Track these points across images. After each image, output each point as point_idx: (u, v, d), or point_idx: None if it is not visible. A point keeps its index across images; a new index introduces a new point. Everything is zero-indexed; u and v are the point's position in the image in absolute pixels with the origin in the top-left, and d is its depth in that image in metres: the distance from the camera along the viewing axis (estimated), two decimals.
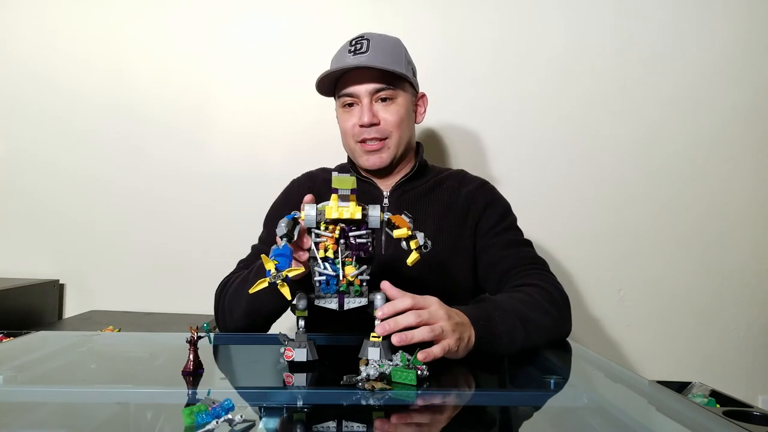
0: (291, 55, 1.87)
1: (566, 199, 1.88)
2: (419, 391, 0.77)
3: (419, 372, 0.79)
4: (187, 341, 0.83)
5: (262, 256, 0.79)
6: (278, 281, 0.77)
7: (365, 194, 1.28)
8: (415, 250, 0.88)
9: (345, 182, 0.82)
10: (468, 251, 1.28)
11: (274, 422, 0.65)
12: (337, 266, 0.83)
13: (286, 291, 0.78)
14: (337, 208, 0.83)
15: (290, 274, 0.78)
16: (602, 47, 1.87)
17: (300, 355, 0.83)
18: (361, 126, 1.23)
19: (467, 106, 1.87)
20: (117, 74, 1.88)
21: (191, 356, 0.83)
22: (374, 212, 0.86)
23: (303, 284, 0.89)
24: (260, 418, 0.66)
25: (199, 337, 0.83)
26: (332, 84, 1.28)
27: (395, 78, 1.23)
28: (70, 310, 1.89)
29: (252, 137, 1.87)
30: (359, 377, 0.78)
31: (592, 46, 1.87)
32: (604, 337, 1.89)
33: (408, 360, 0.83)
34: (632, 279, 1.90)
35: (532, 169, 1.88)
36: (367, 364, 0.83)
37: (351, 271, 0.84)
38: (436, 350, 0.82)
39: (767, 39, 1.88)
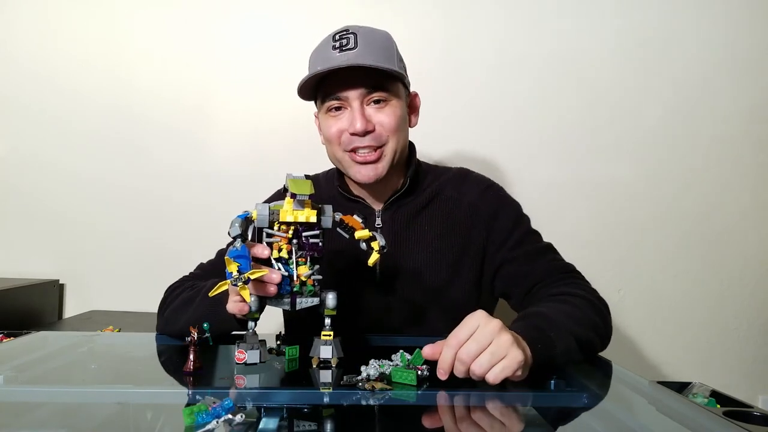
0: (291, 55, 1.86)
1: (566, 198, 1.88)
2: (419, 391, 0.77)
3: (419, 372, 0.79)
4: (187, 341, 0.83)
5: (225, 258, 0.77)
6: (239, 283, 0.77)
7: (354, 213, 1.18)
8: (377, 251, 0.88)
9: (303, 187, 0.81)
10: (473, 270, 1.16)
11: (274, 422, 0.65)
12: (291, 266, 0.83)
13: (246, 293, 0.78)
14: (292, 212, 0.83)
15: (253, 276, 0.77)
16: (602, 47, 1.87)
17: (253, 357, 0.82)
18: (353, 134, 1.07)
19: (466, 106, 1.87)
20: (117, 74, 1.88)
21: (191, 356, 0.83)
22: (327, 212, 0.86)
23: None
24: (260, 418, 0.66)
25: (200, 337, 0.83)
26: (314, 85, 1.11)
27: (388, 78, 1.08)
28: (70, 310, 1.89)
29: (252, 137, 1.87)
30: (359, 377, 0.78)
31: (592, 47, 1.87)
32: None
33: (408, 360, 0.83)
34: (632, 279, 1.90)
35: (532, 170, 1.87)
36: (318, 363, 0.85)
37: (304, 271, 0.84)
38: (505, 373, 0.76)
39: (767, 39, 1.88)
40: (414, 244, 1.17)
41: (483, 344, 0.76)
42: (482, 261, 1.18)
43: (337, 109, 1.09)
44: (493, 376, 0.76)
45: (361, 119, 1.06)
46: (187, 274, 1.22)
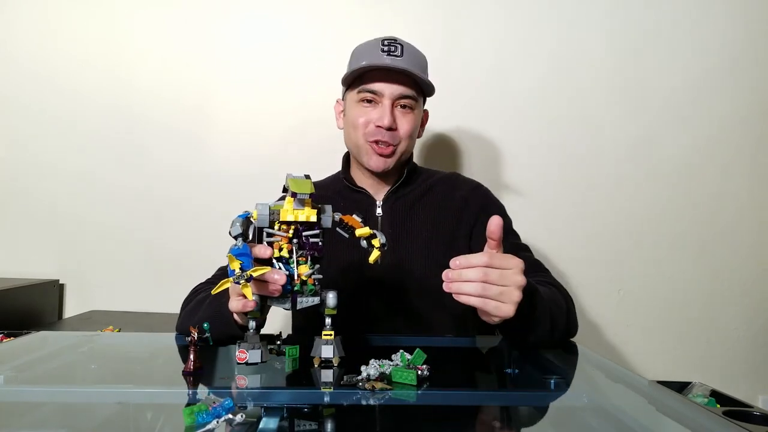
0: (291, 55, 1.87)
1: (566, 199, 1.88)
2: (419, 391, 0.77)
3: (419, 372, 0.79)
4: (187, 341, 0.83)
5: (228, 255, 0.78)
6: (242, 281, 0.77)
7: (358, 203, 1.27)
8: (377, 248, 0.89)
9: (303, 186, 0.82)
10: None
11: (274, 422, 0.65)
12: (291, 266, 0.84)
13: (248, 291, 0.78)
14: (293, 211, 0.83)
15: (255, 274, 0.78)
16: (602, 48, 1.88)
17: (254, 356, 0.82)
18: (379, 126, 1.21)
19: (466, 106, 1.87)
20: (117, 74, 1.88)
21: (191, 356, 0.83)
22: (327, 212, 0.87)
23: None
24: (260, 417, 0.66)
25: (200, 338, 0.83)
26: (355, 75, 1.24)
27: (418, 89, 1.24)
28: (70, 310, 1.89)
29: (252, 137, 1.87)
30: (359, 377, 0.78)
31: (591, 48, 1.88)
32: (604, 337, 1.90)
33: (408, 360, 0.83)
34: (632, 279, 1.90)
35: (532, 170, 1.88)
36: (320, 363, 0.85)
37: (305, 270, 0.84)
38: (472, 300, 0.86)
39: (766, 40, 1.88)
40: (411, 232, 1.26)
41: (504, 282, 0.85)
42: (470, 251, 1.24)
43: (369, 101, 1.23)
44: (483, 304, 0.85)
45: (390, 116, 1.20)
46: (210, 276, 1.25)
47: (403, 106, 1.23)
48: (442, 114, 1.83)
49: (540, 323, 0.98)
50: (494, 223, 0.89)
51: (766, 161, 1.90)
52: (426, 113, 1.35)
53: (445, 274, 0.87)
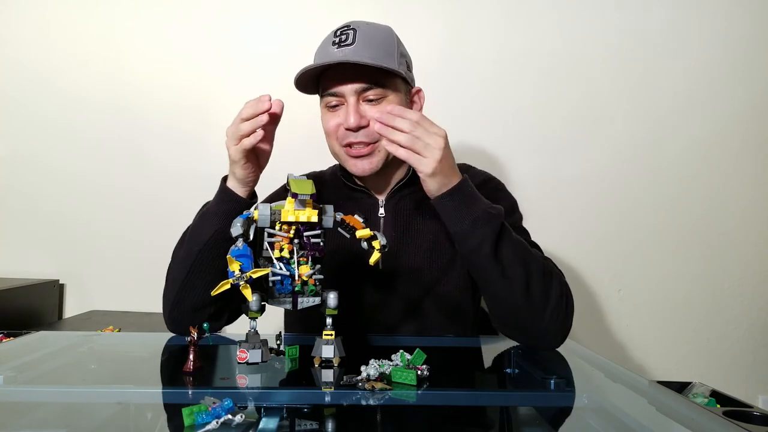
0: (291, 55, 1.87)
1: (567, 199, 1.88)
2: (419, 391, 0.77)
3: (419, 372, 0.79)
4: (187, 341, 0.83)
5: (228, 257, 0.78)
6: (241, 282, 0.77)
7: (359, 204, 1.19)
8: (378, 250, 0.88)
9: (304, 187, 0.81)
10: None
11: (274, 422, 0.65)
12: (292, 266, 0.84)
13: (248, 293, 0.78)
14: (294, 212, 0.83)
15: (255, 276, 0.78)
16: (604, 49, 1.88)
17: (254, 356, 0.82)
18: (348, 129, 1.09)
19: (468, 107, 1.87)
20: (117, 74, 1.88)
21: (191, 356, 0.83)
22: (328, 212, 0.87)
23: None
24: (260, 418, 0.66)
25: (200, 338, 0.83)
26: (315, 80, 1.15)
27: (385, 74, 1.09)
28: (70, 310, 1.89)
29: None
30: (359, 377, 0.78)
31: (593, 49, 1.87)
32: (604, 337, 1.89)
33: (408, 360, 0.83)
34: (632, 279, 1.90)
35: (534, 170, 1.88)
36: (320, 363, 0.85)
37: (306, 270, 0.84)
38: (400, 152, 0.95)
39: (767, 39, 1.88)
40: (415, 234, 1.19)
41: (429, 140, 0.94)
42: None
43: (335, 105, 1.12)
44: (408, 155, 0.95)
45: (355, 115, 1.08)
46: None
47: (371, 99, 1.09)
48: (443, 115, 1.82)
49: (511, 263, 0.97)
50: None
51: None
52: (419, 92, 1.21)
53: (380, 117, 0.96)
